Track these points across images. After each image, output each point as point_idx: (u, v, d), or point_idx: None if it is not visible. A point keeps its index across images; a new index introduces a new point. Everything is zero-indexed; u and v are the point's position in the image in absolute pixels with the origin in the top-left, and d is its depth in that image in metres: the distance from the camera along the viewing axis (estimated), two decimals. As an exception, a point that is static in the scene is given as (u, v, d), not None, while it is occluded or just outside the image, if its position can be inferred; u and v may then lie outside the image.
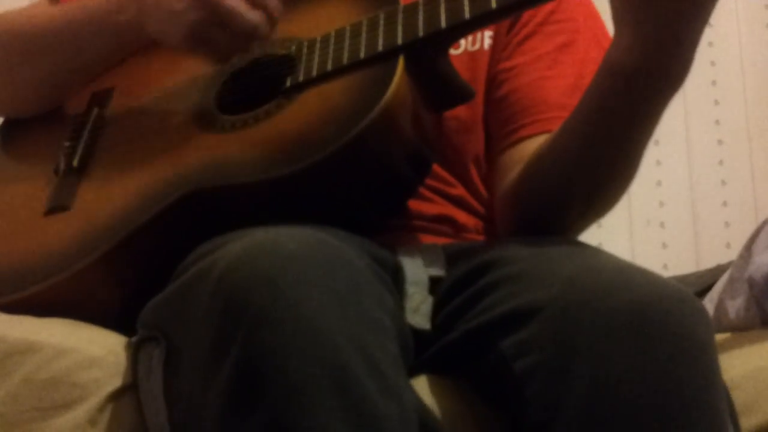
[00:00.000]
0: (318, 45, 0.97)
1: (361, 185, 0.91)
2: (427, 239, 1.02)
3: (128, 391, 0.86)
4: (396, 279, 0.89)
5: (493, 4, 0.89)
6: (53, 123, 1.14)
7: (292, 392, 0.68)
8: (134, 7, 1.02)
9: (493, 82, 1.10)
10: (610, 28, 1.07)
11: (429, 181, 1.04)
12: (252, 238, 0.76)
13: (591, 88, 0.92)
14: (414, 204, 1.01)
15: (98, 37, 1.08)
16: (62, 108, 1.15)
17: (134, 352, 0.87)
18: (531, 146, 1.03)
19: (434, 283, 0.92)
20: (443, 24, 0.91)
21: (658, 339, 0.75)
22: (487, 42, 1.10)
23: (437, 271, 0.94)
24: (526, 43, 1.10)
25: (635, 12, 0.84)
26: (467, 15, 0.90)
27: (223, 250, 0.76)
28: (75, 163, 1.06)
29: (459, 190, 1.09)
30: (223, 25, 0.95)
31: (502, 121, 1.08)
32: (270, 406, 0.68)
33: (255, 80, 1.01)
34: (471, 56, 1.09)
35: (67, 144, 1.08)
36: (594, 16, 1.14)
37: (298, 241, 0.75)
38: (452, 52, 1.07)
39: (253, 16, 0.95)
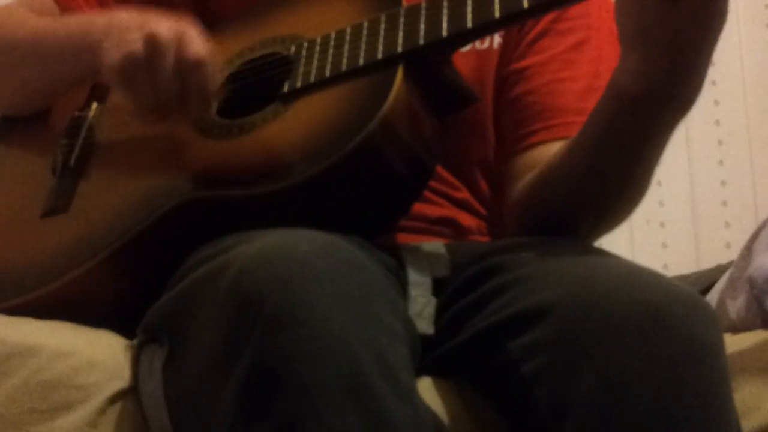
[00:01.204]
0: (317, 47, 0.96)
1: (360, 196, 0.90)
2: (430, 240, 1.02)
3: (129, 394, 0.86)
4: (399, 281, 0.89)
5: (496, 14, 0.87)
6: (52, 117, 1.13)
7: (307, 395, 0.68)
8: (99, 33, 0.99)
9: (504, 82, 1.08)
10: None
11: (433, 184, 1.03)
12: (265, 240, 0.76)
13: (598, 110, 0.91)
14: (417, 206, 1.00)
15: (65, 56, 1.06)
16: (61, 101, 1.14)
17: (136, 355, 0.87)
18: (544, 152, 1.02)
19: (437, 284, 0.92)
20: (444, 33, 0.89)
21: (667, 342, 0.74)
22: (497, 41, 1.08)
23: (441, 272, 0.93)
24: (538, 42, 1.08)
25: (645, 37, 0.82)
26: (469, 24, 0.88)
27: (236, 251, 0.76)
28: (72, 162, 1.05)
29: (463, 194, 1.08)
30: (150, 70, 0.92)
31: (515, 123, 1.07)
32: (284, 409, 0.68)
33: (253, 81, 1.00)
34: (479, 55, 1.08)
35: (64, 142, 1.07)
36: (609, 9, 1.12)
37: (311, 244, 0.75)
38: (459, 49, 1.06)
39: (169, 78, 0.91)
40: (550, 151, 1.01)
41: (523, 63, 1.08)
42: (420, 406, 0.72)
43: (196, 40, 0.93)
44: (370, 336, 0.71)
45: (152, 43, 0.91)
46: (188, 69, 0.91)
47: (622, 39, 0.84)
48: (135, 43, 0.92)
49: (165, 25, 0.92)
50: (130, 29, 0.94)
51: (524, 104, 1.06)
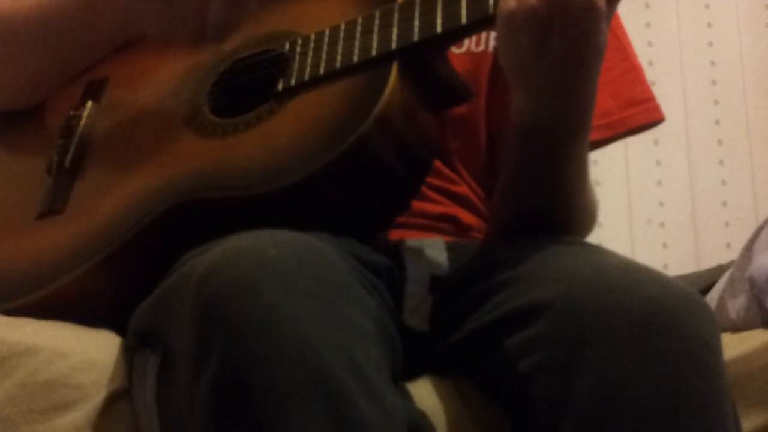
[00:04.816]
0: (311, 45, 0.96)
1: (357, 194, 0.89)
2: (431, 237, 1.02)
3: (127, 394, 0.86)
4: (392, 279, 0.89)
5: (491, 9, 0.87)
6: (46, 117, 1.13)
7: (276, 400, 0.67)
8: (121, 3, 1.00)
9: (496, 86, 1.08)
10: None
11: (432, 180, 1.03)
12: (232, 243, 0.75)
13: (507, 146, 0.94)
14: (418, 204, 1.00)
15: (83, 31, 1.06)
16: (56, 100, 1.14)
17: (130, 358, 0.87)
18: None
19: (435, 281, 0.92)
20: (439, 29, 0.88)
21: (665, 339, 0.74)
22: (492, 44, 1.08)
23: (440, 270, 0.93)
24: None
25: (524, 75, 0.85)
26: (464, 20, 0.88)
27: (203, 255, 0.75)
28: (67, 162, 1.04)
29: (462, 188, 1.08)
30: None
31: (503, 130, 1.07)
32: (254, 414, 0.67)
33: (247, 79, 1.00)
34: (473, 57, 1.08)
35: (59, 141, 1.07)
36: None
37: (279, 246, 0.74)
38: (454, 50, 1.06)
39: None
40: None
41: None
42: (393, 407, 0.71)
43: None
44: (339, 338, 0.70)
45: None
46: None
47: (507, 78, 0.88)
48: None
49: None
50: None
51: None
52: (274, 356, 0.68)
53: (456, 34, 0.91)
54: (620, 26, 1.13)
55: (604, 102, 1.05)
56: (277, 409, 0.67)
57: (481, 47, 1.09)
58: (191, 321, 0.72)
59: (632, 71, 1.10)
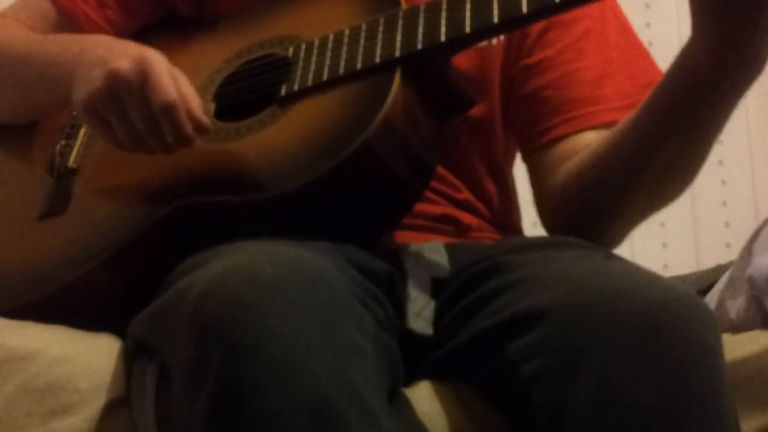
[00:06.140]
0: (315, 50, 0.96)
1: (359, 200, 0.89)
2: (431, 238, 1.01)
3: (126, 402, 0.86)
4: (392, 286, 0.88)
5: (495, 19, 0.87)
6: (50, 119, 1.13)
7: (271, 422, 0.67)
8: (71, 64, 0.98)
9: (513, 80, 1.08)
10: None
11: (434, 184, 1.03)
12: (228, 261, 0.75)
13: (662, 85, 0.92)
14: (418, 205, 1.00)
15: (42, 83, 1.05)
16: None
17: (128, 366, 0.87)
18: (567, 145, 1.03)
19: (437, 284, 0.92)
20: (443, 37, 0.88)
21: (666, 343, 0.74)
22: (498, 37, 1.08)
23: (441, 273, 0.93)
24: (545, 36, 1.08)
25: (714, 15, 0.83)
26: (468, 29, 0.88)
27: (199, 272, 0.75)
28: (69, 164, 1.05)
29: (465, 195, 1.08)
30: (115, 109, 0.90)
31: (532, 119, 1.07)
32: None
33: (251, 83, 1.00)
34: (479, 53, 1.07)
35: (62, 143, 1.07)
36: None
37: (275, 265, 0.74)
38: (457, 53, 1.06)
39: (172, 92, 0.88)
40: (574, 143, 1.02)
41: (533, 58, 1.08)
42: (387, 428, 0.71)
43: (162, 82, 0.88)
44: (335, 359, 0.70)
45: (113, 82, 0.89)
46: (158, 114, 0.89)
47: (693, 20, 0.85)
48: (97, 81, 0.90)
49: (125, 63, 0.89)
50: (92, 65, 0.92)
51: (539, 100, 1.06)
52: (269, 378, 0.68)
53: (460, 42, 0.91)
54: (622, 12, 1.13)
55: (621, 84, 1.05)
56: (270, 430, 0.67)
57: (485, 42, 1.08)
58: (187, 340, 0.72)
59: (644, 56, 1.11)
